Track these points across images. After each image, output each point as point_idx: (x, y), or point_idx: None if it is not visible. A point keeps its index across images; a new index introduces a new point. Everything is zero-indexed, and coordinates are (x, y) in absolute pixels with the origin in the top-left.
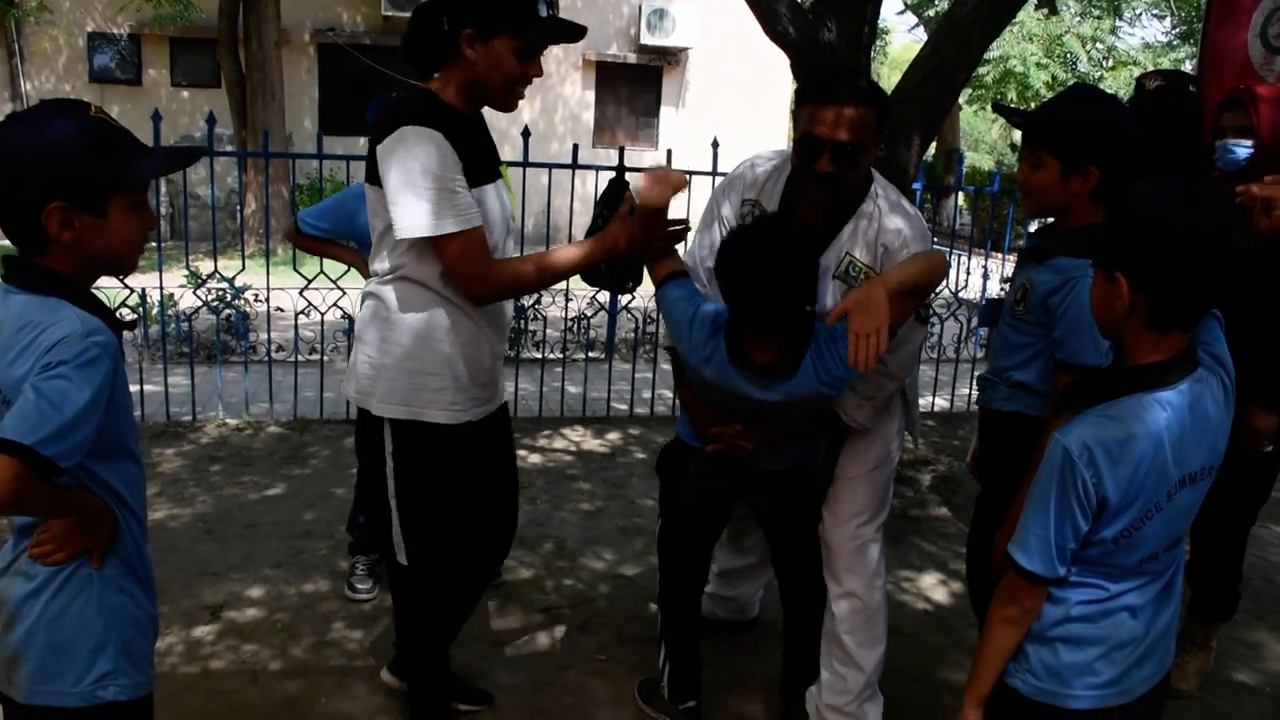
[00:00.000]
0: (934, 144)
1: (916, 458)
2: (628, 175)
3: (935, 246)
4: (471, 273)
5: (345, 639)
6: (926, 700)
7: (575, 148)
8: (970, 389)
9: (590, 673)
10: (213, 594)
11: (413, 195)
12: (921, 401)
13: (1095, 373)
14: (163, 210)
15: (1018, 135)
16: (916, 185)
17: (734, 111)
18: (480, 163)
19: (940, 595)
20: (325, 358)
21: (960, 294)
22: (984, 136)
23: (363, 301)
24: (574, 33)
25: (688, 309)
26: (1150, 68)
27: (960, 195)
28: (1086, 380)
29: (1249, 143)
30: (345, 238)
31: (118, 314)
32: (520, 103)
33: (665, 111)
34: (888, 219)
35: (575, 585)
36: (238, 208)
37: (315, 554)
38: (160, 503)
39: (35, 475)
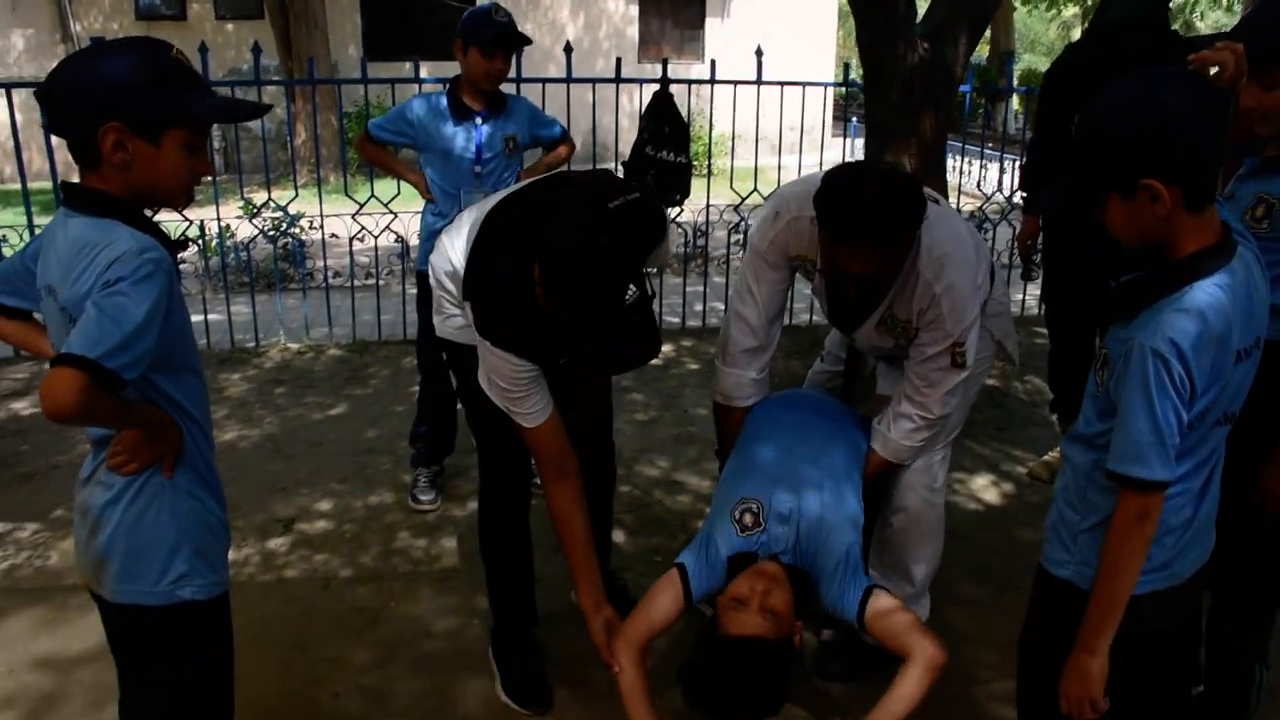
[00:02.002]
0: (988, 46)
1: None
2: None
3: (989, 152)
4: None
5: (411, 547)
6: (982, 597)
7: (619, 62)
8: (1025, 294)
9: (645, 572)
10: (284, 508)
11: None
12: None
13: (1140, 277)
14: (216, 144)
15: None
16: (965, 88)
17: (780, 21)
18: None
19: (991, 496)
20: (381, 281)
21: (1013, 198)
22: (1040, 38)
23: None
24: None
25: (702, 573)
26: None
27: (1015, 98)
28: (1135, 283)
29: None
30: (412, 146)
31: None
32: (564, 19)
33: (710, 23)
34: (923, 286)
35: (632, 491)
36: (288, 138)
37: (379, 469)
38: (229, 425)
39: (101, 387)
